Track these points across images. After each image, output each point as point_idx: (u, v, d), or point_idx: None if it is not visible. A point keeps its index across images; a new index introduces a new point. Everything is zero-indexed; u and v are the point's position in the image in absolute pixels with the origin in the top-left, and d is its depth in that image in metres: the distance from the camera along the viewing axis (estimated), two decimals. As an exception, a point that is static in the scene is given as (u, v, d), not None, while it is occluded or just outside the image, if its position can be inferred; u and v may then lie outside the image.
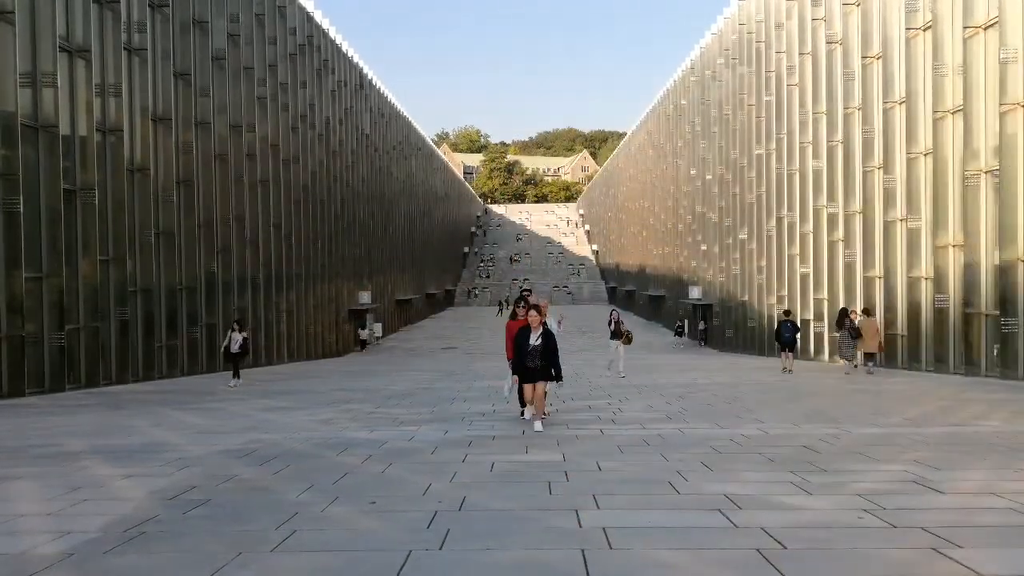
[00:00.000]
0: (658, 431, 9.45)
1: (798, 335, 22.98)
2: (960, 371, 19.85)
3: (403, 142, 65.55)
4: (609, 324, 21.56)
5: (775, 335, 23.20)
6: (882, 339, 21.66)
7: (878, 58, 24.76)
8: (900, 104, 23.41)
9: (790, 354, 21.94)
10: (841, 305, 25.39)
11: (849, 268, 27.00)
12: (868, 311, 21.94)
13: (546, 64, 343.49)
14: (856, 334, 20.86)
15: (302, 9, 39.16)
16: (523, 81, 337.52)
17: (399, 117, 64.22)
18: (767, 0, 36.11)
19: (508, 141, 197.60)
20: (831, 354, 27.96)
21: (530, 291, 10.94)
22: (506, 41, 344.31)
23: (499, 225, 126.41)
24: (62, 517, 5.48)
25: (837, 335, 22.72)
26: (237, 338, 19.84)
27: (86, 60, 20.77)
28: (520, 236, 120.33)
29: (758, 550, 4.45)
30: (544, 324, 9.76)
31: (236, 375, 19.98)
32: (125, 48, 22.85)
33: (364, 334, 48.03)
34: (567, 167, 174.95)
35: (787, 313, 23.51)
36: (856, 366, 21.18)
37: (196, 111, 27.29)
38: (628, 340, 20.56)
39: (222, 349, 20.82)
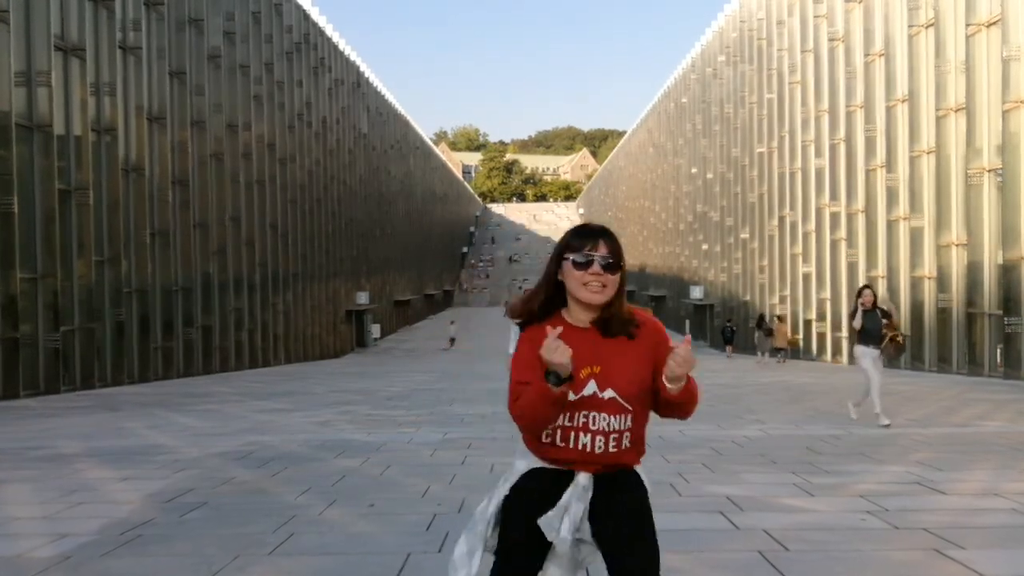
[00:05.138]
0: (658, 432, 9.40)
1: (735, 333, 35.06)
2: (963, 371, 19.83)
3: (401, 141, 65.53)
4: (852, 315, 10.31)
5: (721, 334, 35.96)
6: (789, 338, 28.40)
7: (880, 56, 24.74)
8: (903, 102, 23.39)
9: (730, 347, 33.84)
10: (846, 301, 26.53)
11: (851, 267, 27.00)
12: (781, 318, 29.96)
13: (545, 62, 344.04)
14: (769, 333, 27.69)
15: (299, 7, 39.14)
16: (522, 79, 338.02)
17: (397, 116, 64.19)
18: (767, -2, 36.10)
19: (507, 140, 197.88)
20: (834, 354, 28.03)
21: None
22: (505, 39, 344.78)
23: (498, 225, 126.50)
24: (58, 520, 5.43)
25: (757, 333, 29.23)
26: None
27: (81, 59, 20.70)
28: (519, 236, 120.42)
29: (760, 552, 4.40)
30: None
31: None
32: (120, 47, 22.79)
33: (452, 330, 49.87)
34: (566, 166, 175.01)
35: (729, 320, 36.90)
36: (761, 359, 27.27)
37: (191, 110, 27.25)
38: (899, 347, 10.44)
39: None
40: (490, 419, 11.15)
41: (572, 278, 2.38)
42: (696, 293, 46.26)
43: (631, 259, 77.47)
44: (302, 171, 38.65)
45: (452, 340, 48.18)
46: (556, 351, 2.17)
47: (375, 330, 51.05)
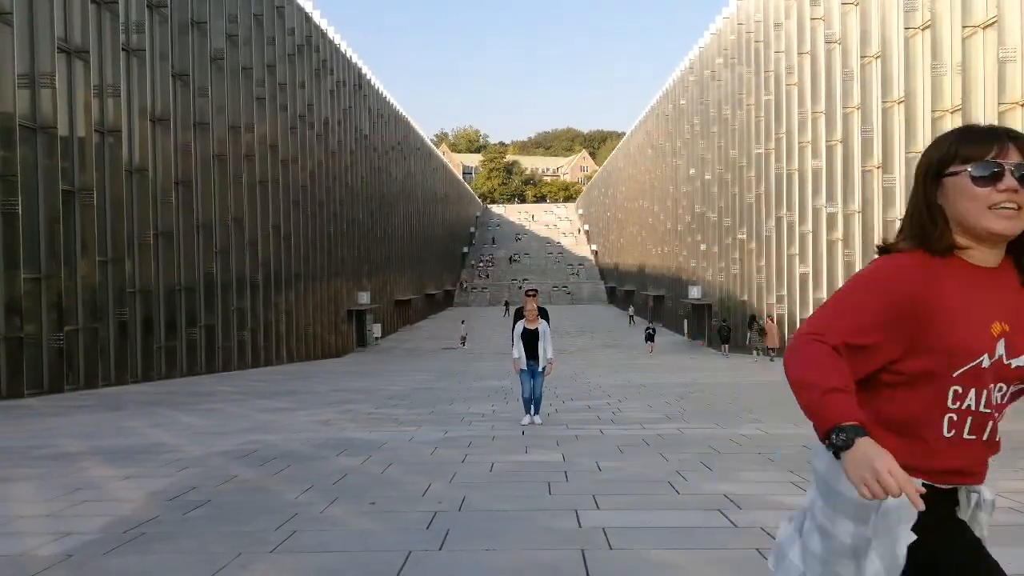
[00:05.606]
0: (658, 431, 9.45)
1: (731, 332, 36.52)
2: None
3: (402, 142, 65.56)
4: None
5: (717, 333, 37.22)
6: (784, 338, 30.30)
7: (877, 57, 24.79)
8: (899, 103, 23.44)
9: (726, 346, 35.49)
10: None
11: (848, 268, 27.02)
12: (772, 319, 32.00)
13: (545, 64, 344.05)
14: (763, 333, 31.27)
15: (300, 9, 39.18)
16: (522, 81, 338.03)
17: (398, 117, 64.22)
18: (766, 0, 36.14)
19: (507, 141, 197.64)
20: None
21: (535, 290, 11.19)
22: (505, 41, 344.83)
23: (498, 225, 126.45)
24: (62, 518, 5.47)
25: (749, 333, 32.41)
26: None
27: (84, 61, 20.77)
28: (519, 236, 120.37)
29: (758, 550, 4.44)
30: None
31: None
32: (123, 49, 22.86)
33: (463, 329, 49.70)
34: (566, 167, 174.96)
35: (724, 320, 38.55)
36: (758, 358, 30.69)
37: (194, 112, 27.31)
38: None
39: None
40: (490, 417, 11.21)
41: (969, 200, 1.70)
42: (694, 292, 46.31)
43: (630, 259, 77.50)
44: (304, 172, 38.69)
45: (463, 339, 48.51)
46: (887, 491, 1.56)
47: (376, 330, 51.08)
